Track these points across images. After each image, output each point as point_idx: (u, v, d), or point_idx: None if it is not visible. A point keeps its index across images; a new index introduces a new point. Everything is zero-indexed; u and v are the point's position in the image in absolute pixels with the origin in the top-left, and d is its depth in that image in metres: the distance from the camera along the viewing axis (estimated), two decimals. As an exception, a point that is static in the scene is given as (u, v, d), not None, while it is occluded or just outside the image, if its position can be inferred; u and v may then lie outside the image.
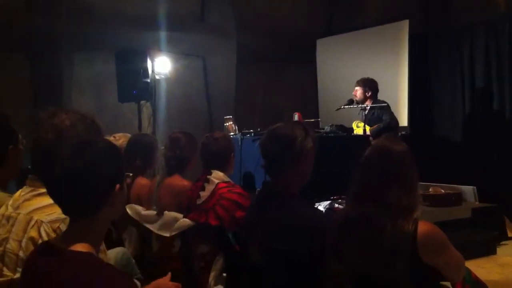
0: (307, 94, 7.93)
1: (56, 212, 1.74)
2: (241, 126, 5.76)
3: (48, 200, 1.68)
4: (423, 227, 1.88)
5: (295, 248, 2.06)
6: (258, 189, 3.52)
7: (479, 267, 4.51)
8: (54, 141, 1.82)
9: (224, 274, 2.74)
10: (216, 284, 2.72)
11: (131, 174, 3.43)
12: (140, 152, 3.58)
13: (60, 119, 1.90)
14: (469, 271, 2.21)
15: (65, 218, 1.71)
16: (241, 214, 2.68)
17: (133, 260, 2.97)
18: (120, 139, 3.77)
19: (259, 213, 2.30)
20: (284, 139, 2.23)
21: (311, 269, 2.03)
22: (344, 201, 2.11)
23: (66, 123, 1.89)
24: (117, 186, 1.54)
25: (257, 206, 2.40)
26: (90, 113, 2.01)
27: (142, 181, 3.49)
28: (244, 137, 5.27)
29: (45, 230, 1.78)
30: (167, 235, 2.96)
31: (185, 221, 2.91)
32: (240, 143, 5.19)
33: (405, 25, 6.73)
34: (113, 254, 2.80)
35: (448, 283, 2.18)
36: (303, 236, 2.07)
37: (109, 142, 1.68)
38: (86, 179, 1.47)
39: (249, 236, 2.30)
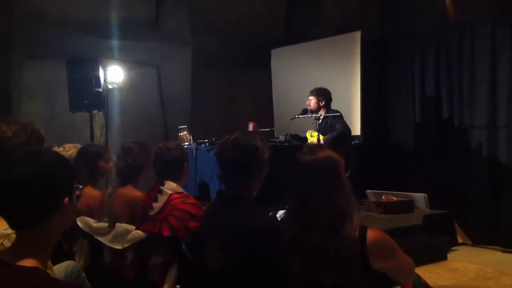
0: (264, 101, 7.93)
1: (0, 228, 1.69)
2: (197, 135, 5.72)
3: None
4: (371, 234, 1.92)
5: (258, 252, 2.07)
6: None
7: (430, 273, 4.62)
8: None
9: (178, 286, 2.71)
10: (170, 296, 2.69)
11: (81, 186, 3.34)
12: (87, 163, 3.50)
13: (1, 130, 1.86)
14: (418, 276, 2.26)
15: (9, 234, 1.67)
16: (195, 224, 2.66)
17: (84, 274, 2.90)
18: (70, 149, 3.68)
19: (218, 221, 2.29)
20: (249, 149, 2.26)
21: (272, 273, 2.04)
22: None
23: (7, 134, 1.86)
24: (67, 198, 1.50)
25: (215, 214, 2.39)
26: (30, 121, 1.97)
27: (92, 192, 3.41)
28: (199, 146, 5.25)
29: (-13, 247, 1.72)
30: (119, 247, 2.91)
31: (137, 233, 2.87)
32: (194, 153, 5.17)
33: (357, 35, 6.86)
34: (62, 267, 2.73)
35: (399, 289, 2.23)
36: (265, 240, 2.08)
37: (58, 154, 1.65)
38: (33, 187, 1.44)
39: (207, 244, 2.28)
